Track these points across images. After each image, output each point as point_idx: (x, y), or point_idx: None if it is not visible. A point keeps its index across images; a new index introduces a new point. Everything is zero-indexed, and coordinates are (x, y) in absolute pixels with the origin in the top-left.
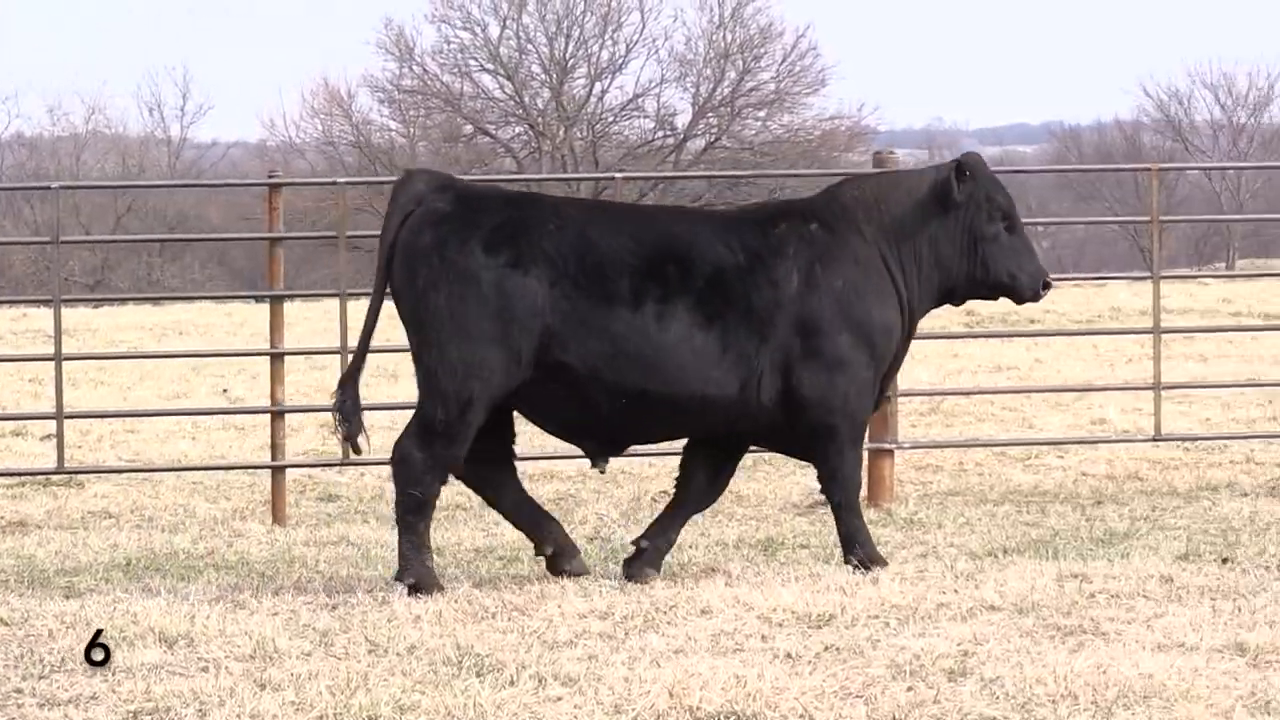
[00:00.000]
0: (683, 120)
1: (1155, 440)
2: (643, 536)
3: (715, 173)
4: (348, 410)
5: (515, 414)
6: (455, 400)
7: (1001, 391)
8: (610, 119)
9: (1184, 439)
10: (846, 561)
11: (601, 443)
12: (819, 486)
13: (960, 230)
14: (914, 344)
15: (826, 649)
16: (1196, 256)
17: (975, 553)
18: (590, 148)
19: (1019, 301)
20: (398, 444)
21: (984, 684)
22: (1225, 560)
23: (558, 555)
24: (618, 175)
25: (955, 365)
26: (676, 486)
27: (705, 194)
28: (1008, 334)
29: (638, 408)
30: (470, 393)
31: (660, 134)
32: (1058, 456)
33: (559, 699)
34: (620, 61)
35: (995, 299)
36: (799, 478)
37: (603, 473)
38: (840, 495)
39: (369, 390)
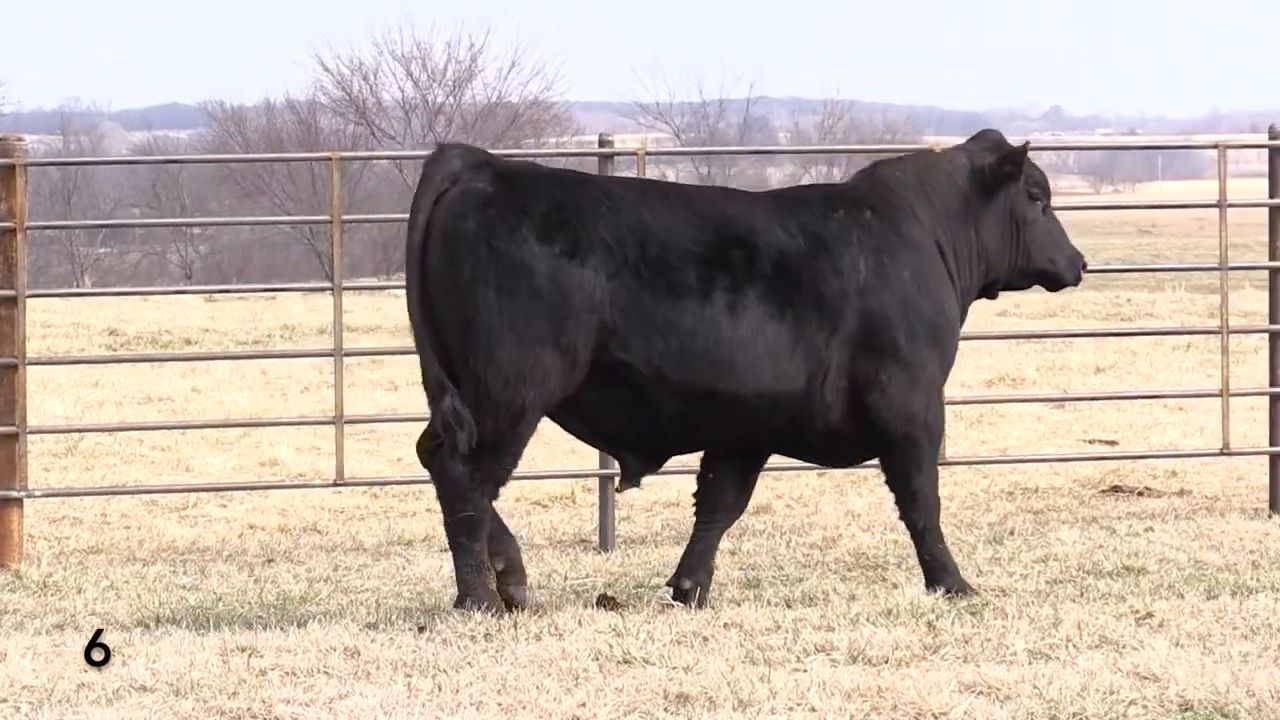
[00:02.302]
0: None
1: (337, 485)
2: (678, 576)
3: None
4: (460, 415)
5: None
6: (506, 410)
7: (151, 428)
8: None
9: (371, 483)
10: (931, 591)
11: (645, 453)
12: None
13: (1005, 215)
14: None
15: None
16: (385, 263)
17: (123, 622)
18: None
19: (1058, 288)
20: (440, 463)
21: None
22: (422, 629)
23: (506, 572)
24: None
25: (97, 396)
26: (699, 507)
27: None
28: (161, 357)
29: (701, 411)
30: (523, 401)
31: None
32: (220, 506)
33: None
34: None
35: (1029, 288)
36: None
37: (622, 490)
38: (924, 519)
39: None
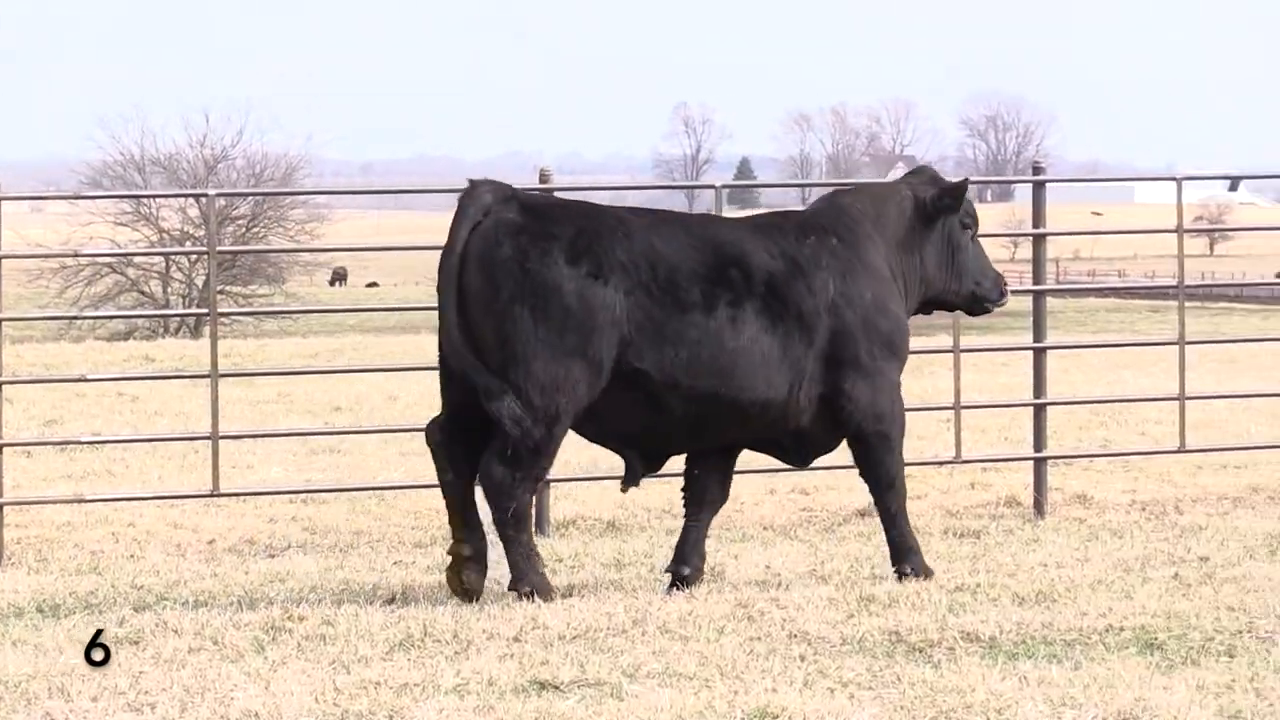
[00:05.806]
0: None
1: None
2: (677, 563)
3: None
4: (517, 413)
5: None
6: (543, 417)
7: None
8: None
9: None
10: (897, 571)
11: (650, 454)
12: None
13: (942, 242)
14: None
15: None
16: None
17: None
18: None
19: (980, 311)
20: (484, 465)
21: None
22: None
23: (473, 559)
24: None
25: None
26: (688, 500)
27: None
28: None
29: (706, 414)
30: (558, 407)
31: None
32: None
33: None
34: None
35: (954, 310)
36: None
37: (625, 489)
38: (894, 503)
39: None
